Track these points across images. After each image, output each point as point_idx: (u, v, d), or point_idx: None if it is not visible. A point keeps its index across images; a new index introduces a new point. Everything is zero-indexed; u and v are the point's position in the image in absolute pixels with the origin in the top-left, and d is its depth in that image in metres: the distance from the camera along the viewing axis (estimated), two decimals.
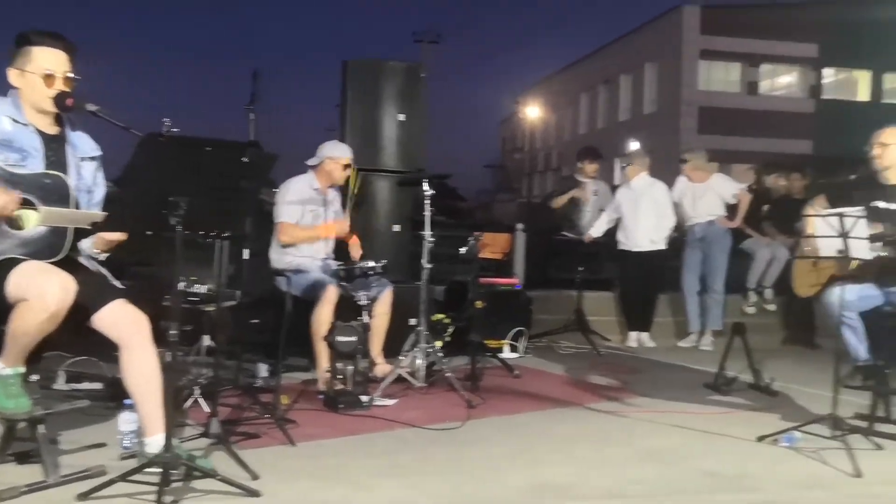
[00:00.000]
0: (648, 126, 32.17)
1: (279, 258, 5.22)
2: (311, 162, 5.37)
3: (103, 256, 3.34)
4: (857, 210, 4.01)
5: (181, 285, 4.08)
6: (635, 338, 7.34)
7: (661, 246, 7.32)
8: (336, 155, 5.33)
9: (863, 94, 32.45)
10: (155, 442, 3.15)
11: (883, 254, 4.20)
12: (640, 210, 7.25)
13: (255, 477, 3.21)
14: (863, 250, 4.05)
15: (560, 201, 7.98)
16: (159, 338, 3.21)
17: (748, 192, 7.64)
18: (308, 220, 5.26)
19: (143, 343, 3.16)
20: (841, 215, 3.97)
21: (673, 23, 31.45)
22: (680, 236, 7.64)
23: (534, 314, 6.89)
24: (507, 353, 6.38)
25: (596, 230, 7.42)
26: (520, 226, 7.89)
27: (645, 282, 7.38)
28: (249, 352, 5.09)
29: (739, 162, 24.56)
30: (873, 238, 4.12)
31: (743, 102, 31.18)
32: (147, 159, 2.87)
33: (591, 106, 40.01)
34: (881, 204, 4.32)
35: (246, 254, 4.31)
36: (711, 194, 7.31)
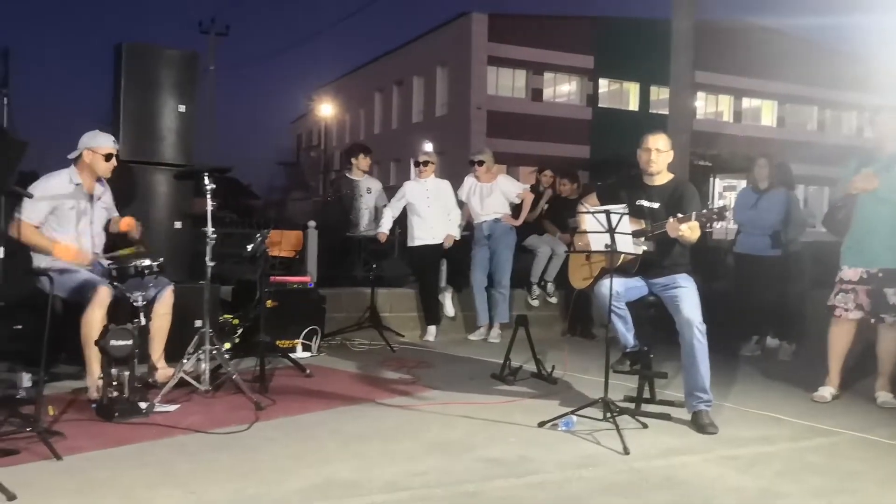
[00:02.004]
0: (440, 128, 33.04)
1: (43, 257, 4.76)
2: (71, 155, 4.93)
3: None
4: (620, 208, 4.32)
5: None
6: (434, 331, 7.49)
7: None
8: (95, 145, 4.92)
9: (633, 103, 35.30)
10: None
11: (645, 248, 4.56)
12: (439, 207, 7.43)
13: (10, 497, 2.93)
14: (627, 245, 4.37)
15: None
16: None
17: (530, 192, 8.01)
18: (72, 218, 4.83)
19: None
20: (608, 213, 4.27)
21: (463, 29, 32.48)
22: (468, 234, 7.87)
23: (327, 312, 6.81)
24: (299, 353, 6.26)
25: (384, 226, 7.46)
26: (312, 223, 7.76)
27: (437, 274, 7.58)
28: (8, 360, 4.63)
29: (525, 165, 25.89)
30: (636, 234, 4.46)
31: (528, 108, 32.82)
32: None
33: (385, 107, 40.43)
34: (644, 203, 4.68)
35: (0, 252, 3.88)
36: (497, 194, 7.60)
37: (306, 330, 6.43)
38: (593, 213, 4.35)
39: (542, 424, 4.33)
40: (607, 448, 3.96)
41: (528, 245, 8.11)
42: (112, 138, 5.04)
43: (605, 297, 4.47)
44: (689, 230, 4.35)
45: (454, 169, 9.74)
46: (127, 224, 5.14)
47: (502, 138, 29.18)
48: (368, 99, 41.80)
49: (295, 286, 6.67)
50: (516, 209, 7.73)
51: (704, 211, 4.36)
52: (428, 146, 28.59)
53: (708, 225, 4.43)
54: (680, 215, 4.37)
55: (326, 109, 40.64)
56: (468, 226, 7.76)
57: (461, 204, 7.66)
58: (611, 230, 4.27)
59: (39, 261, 4.74)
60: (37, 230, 4.74)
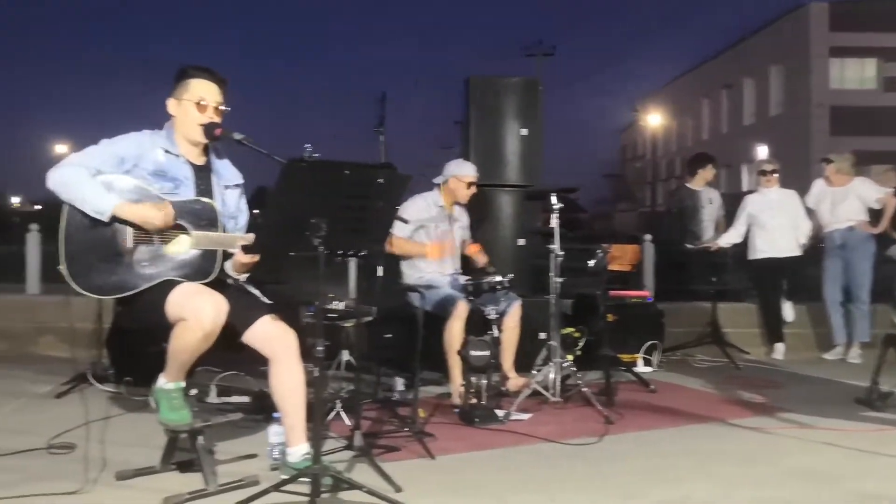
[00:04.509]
0: (774, 129, 30.92)
1: (410, 273, 5.34)
2: (437, 180, 5.49)
3: (243, 278, 3.49)
4: None
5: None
6: (782, 349, 7.06)
7: (799, 252, 7.09)
8: (461, 173, 5.42)
9: None
10: (297, 452, 3.32)
11: None
12: (784, 219, 7.07)
13: (398, 490, 3.27)
14: None
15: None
16: (303, 354, 3.34)
17: (894, 196, 7.20)
18: (435, 236, 5.36)
19: (291, 357, 3.32)
20: None
21: (799, 22, 30.19)
22: (817, 243, 7.30)
23: (666, 327, 6.71)
24: (640, 368, 6.24)
25: (725, 240, 7.18)
26: (648, 237, 7.72)
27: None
28: (384, 366, 5.21)
29: (877, 163, 23.24)
30: None
31: (880, 99, 29.49)
32: (290, 184, 2.99)
33: (714, 111, 38.91)
34: None
35: (380, 270, 4.43)
36: (852, 199, 6.96)
37: (647, 344, 6.40)
38: None
39: None
40: None
41: (893, 255, 7.29)
42: (474, 168, 5.51)
43: None
44: None
45: (790, 171, 9.08)
46: (474, 250, 5.60)
47: (848, 136, 26.49)
48: (695, 105, 40.52)
49: (633, 300, 6.68)
50: (875, 215, 7.01)
51: None
52: (764, 152, 26.94)
53: None
54: None
55: (654, 119, 39.93)
56: (816, 235, 7.21)
57: (809, 212, 7.15)
58: None
59: (408, 278, 5.32)
60: (406, 240, 5.29)
